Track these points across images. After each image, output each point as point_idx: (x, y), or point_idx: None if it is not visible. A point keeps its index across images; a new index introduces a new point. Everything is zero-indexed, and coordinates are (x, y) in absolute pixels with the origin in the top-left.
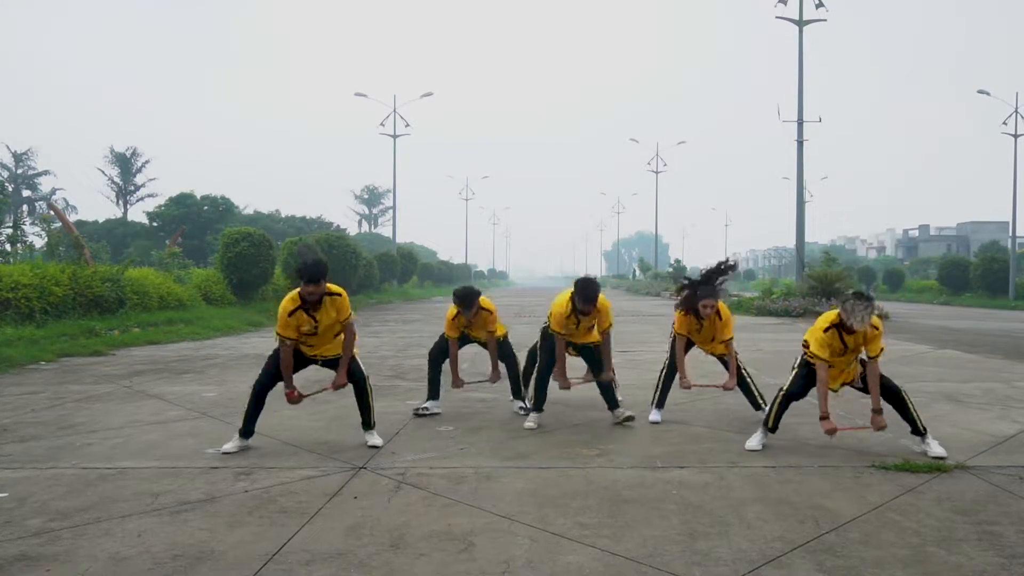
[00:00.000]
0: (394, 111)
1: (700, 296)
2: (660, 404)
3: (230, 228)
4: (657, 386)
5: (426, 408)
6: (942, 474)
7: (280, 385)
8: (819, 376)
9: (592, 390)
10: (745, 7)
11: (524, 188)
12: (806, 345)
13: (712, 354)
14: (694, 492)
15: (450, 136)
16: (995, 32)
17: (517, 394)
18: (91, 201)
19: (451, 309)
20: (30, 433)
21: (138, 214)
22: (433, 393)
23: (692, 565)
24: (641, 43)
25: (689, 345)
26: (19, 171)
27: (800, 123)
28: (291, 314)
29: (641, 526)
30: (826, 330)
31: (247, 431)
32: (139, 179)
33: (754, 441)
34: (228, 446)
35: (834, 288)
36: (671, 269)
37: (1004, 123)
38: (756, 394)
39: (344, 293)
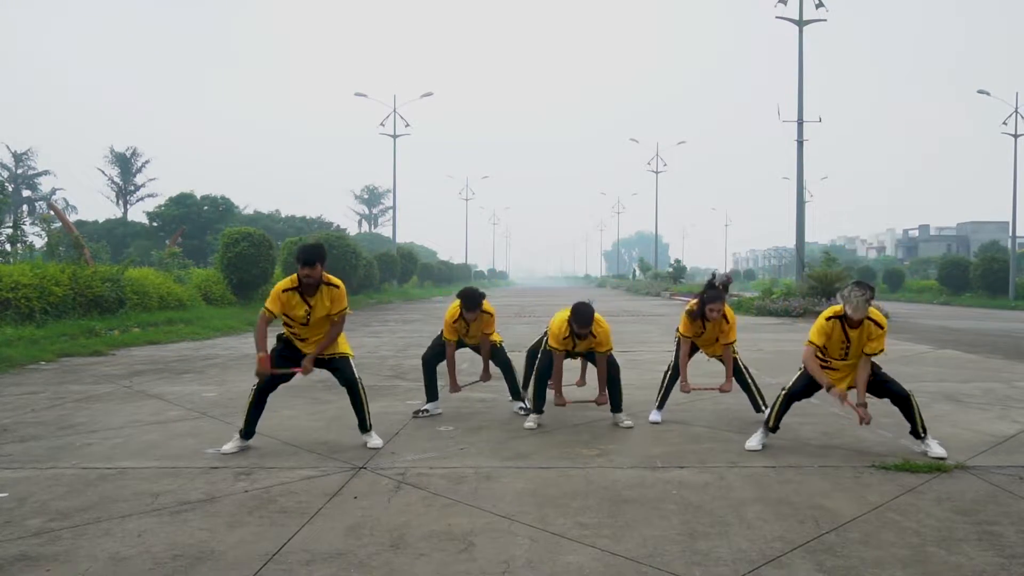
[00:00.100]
0: (394, 111)
1: (707, 300)
2: (661, 405)
3: (230, 228)
4: (661, 387)
5: (426, 410)
6: (942, 474)
7: (281, 386)
8: (809, 361)
9: (593, 391)
10: (745, 7)
11: (524, 188)
12: None
13: (714, 356)
14: (694, 492)
15: (450, 136)
16: (995, 32)
17: (516, 395)
18: (91, 201)
19: (450, 311)
20: (30, 433)
21: (138, 214)
22: (431, 396)
23: (692, 565)
24: (641, 43)
25: (694, 349)
26: (19, 171)
27: (800, 123)
28: (285, 291)
29: (641, 526)
30: (828, 319)
31: (248, 432)
32: (139, 179)
33: (754, 441)
34: (228, 446)
35: (834, 288)
36: (671, 269)
37: (1004, 123)
38: (757, 396)
39: (342, 285)
